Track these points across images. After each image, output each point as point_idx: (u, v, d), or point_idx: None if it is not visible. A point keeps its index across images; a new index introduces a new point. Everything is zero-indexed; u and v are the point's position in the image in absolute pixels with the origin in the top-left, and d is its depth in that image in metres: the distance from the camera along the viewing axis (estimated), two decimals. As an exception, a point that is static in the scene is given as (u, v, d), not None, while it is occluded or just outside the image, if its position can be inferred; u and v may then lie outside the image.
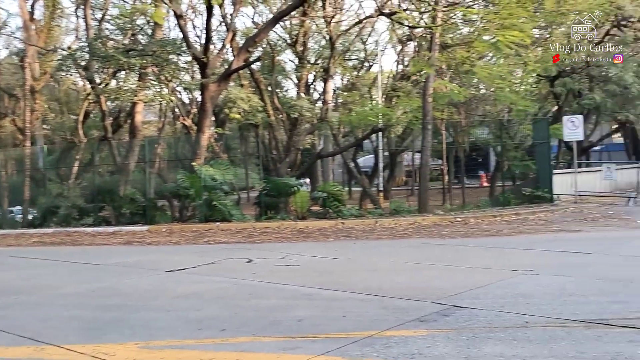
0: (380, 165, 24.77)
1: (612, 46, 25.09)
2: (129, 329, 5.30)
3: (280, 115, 22.57)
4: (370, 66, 30.38)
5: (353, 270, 8.10)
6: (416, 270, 7.95)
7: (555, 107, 27.23)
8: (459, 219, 14.04)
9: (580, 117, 17.90)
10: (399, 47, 27.33)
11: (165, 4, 17.21)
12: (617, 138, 41.30)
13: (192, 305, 6.20)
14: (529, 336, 4.57)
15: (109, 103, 21.82)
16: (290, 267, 8.43)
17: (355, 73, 29.10)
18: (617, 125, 34.78)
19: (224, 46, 19.13)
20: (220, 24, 23.09)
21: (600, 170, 19.08)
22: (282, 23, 22.81)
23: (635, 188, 18.31)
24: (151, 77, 19.42)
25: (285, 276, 7.62)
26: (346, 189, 31.18)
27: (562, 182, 18.41)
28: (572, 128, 17.18)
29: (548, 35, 23.51)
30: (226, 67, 18.90)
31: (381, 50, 28.56)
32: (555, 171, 18.75)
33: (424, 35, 19.59)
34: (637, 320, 4.89)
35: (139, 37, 20.32)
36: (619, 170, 20.34)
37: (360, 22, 23.25)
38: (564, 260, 8.19)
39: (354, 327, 5.02)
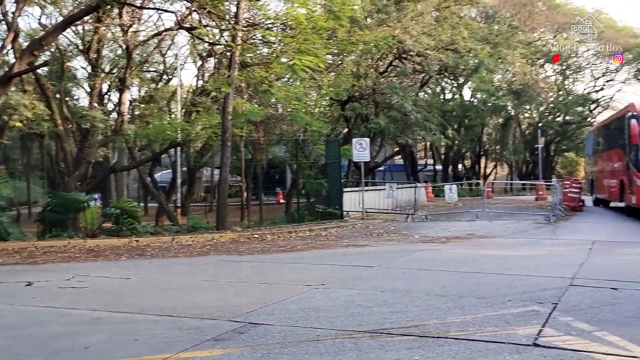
0: (178, 180, 24.24)
1: (394, 76, 27.69)
2: None
3: (70, 126, 20.97)
4: (170, 79, 29.73)
5: (147, 291, 7.78)
6: (213, 288, 7.89)
7: (346, 129, 29.18)
8: (256, 236, 14.28)
9: (368, 139, 19.36)
10: (199, 63, 27.19)
11: None
12: (399, 159, 45.56)
13: (-43, 338, 5.45)
14: (320, 349, 4.77)
15: None
16: (77, 289, 7.83)
17: (153, 85, 28.20)
18: (398, 148, 38.34)
19: (3, 47, 17.28)
20: (0, 22, 20.87)
21: (384, 189, 20.76)
22: (74, 28, 21.30)
23: (413, 205, 20.21)
24: None
25: (71, 300, 7.06)
26: (142, 204, 30.02)
27: (351, 199, 19.70)
28: (361, 149, 18.51)
29: (340, 62, 25.19)
30: (6, 69, 17.10)
31: (181, 64, 28.15)
32: (345, 189, 19.99)
33: (224, 52, 19.73)
34: (414, 328, 5.38)
35: None
36: (399, 189, 22.32)
37: (159, 34, 22.64)
38: (352, 273, 8.73)
39: (146, 350, 4.81)
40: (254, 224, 18.18)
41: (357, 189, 20.69)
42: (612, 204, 22.06)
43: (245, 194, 26.23)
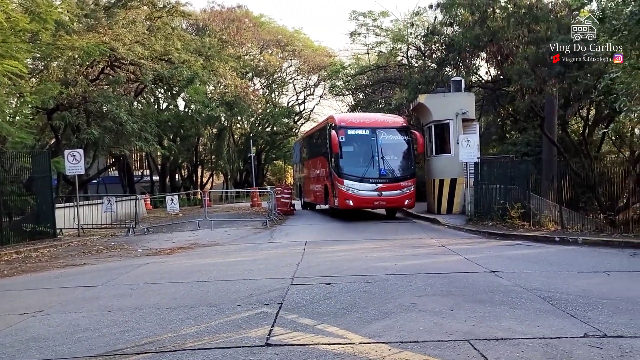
0: None
1: (107, 84, 26.49)
2: None
3: None
4: None
5: None
6: None
7: (54, 140, 26.95)
8: (-52, 264, 12.36)
9: (81, 151, 18.18)
10: None
11: None
12: (113, 171, 43.72)
13: None
14: (47, 382, 4.40)
15: None
16: None
17: None
18: (113, 159, 36.78)
19: None
20: None
21: (101, 203, 19.70)
22: None
23: (133, 218, 19.61)
24: None
25: None
26: None
27: (65, 215, 18.28)
28: (74, 162, 17.31)
29: (42, 68, 23.19)
30: None
31: None
32: (57, 205, 18.46)
33: None
34: (149, 344, 5.29)
35: None
36: (118, 203, 21.41)
37: None
38: (73, 295, 8.13)
39: None
40: (-58, 251, 15.62)
41: (71, 204, 19.29)
42: (318, 207, 24.43)
43: None
